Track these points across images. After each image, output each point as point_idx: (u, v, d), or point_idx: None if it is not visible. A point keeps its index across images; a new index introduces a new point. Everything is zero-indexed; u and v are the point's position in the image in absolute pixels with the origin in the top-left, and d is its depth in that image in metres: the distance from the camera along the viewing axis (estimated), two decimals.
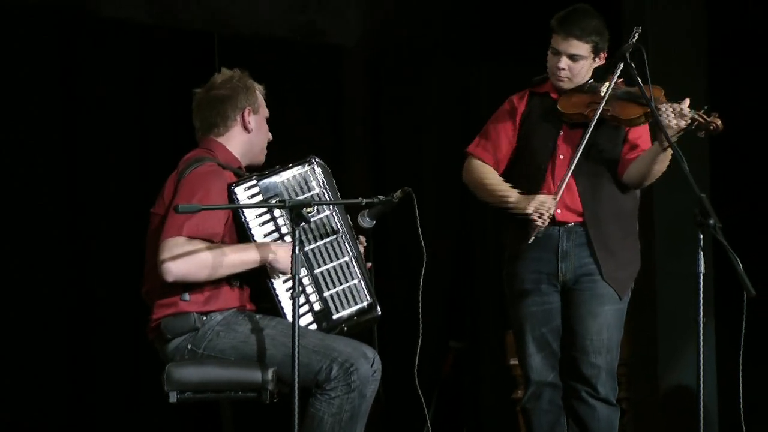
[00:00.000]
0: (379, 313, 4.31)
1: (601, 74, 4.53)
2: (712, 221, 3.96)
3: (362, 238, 4.37)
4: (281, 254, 4.14)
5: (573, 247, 4.59)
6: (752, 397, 4.42)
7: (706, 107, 4.47)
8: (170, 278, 4.07)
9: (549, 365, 4.64)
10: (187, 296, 4.13)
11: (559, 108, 4.61)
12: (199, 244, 4.07)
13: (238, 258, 4.12)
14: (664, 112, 4.39)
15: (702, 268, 3.98)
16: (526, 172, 4.63)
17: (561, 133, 4.62)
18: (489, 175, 4.69)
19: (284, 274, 4.16)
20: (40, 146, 6.13)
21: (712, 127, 4.44)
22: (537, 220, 4.47)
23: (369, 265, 4.36)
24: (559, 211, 4.57)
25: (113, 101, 6.33)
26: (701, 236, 3.97)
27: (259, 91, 4.39)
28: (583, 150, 4.54)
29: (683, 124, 4.40)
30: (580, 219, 4.60)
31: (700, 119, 4.42)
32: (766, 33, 6.28)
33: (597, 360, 4.59)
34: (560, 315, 4.64)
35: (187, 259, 4.05)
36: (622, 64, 4.45)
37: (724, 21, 6.43)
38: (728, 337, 5.72)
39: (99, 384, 6.20)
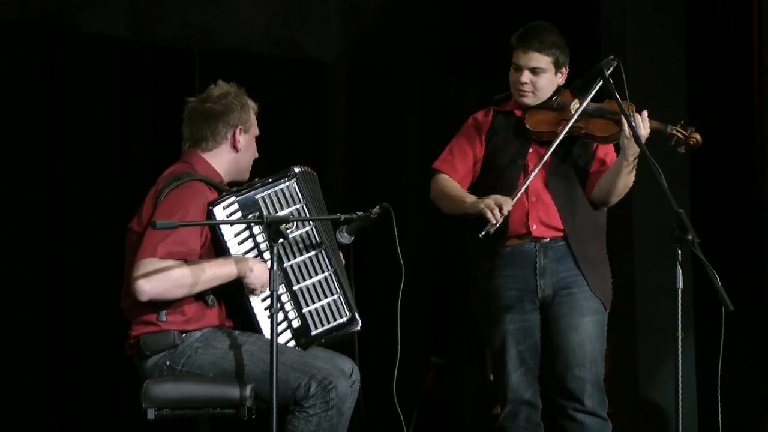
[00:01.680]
0: (359, 327, 4.30)
1: (579, 90, 4.53)
2: (690, 236, 3.96)
3: (340, 253, 4.37)
4: (256, 271, 4.13)
5: (550, 263, 4.60)
6: (731, 412, 4.43)
7: (682, 122, 4.48)
8: (144, 298, 4.05)
9: (526, 383, 4.64)
10: (164, 317, 4.12)
11: (527, 126, 4.62)
12: (173, 264, 4.05)
13: (213, 274, 4.11)
14: (638, 125, 4.41)
15: (680, 284, 3.97)
16: (496, 189, 4.61)
17: (530, 150, 4.63)
18: (450, 184, 4.70)
19: (259, 290, 4.15)
20: (21, 158, 6.12)
21: (692, 142, 4.44)
22: (488, 215, 4.44)
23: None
24: (534, 226, 4.58)
25: (94, 116, 6.33)
26: (679, 252, 3.97)
27: (252, 109, 4.37)
28: (559, 167, 4.56)
29: (644, 134, 4.41)
30: (555, 234, 4.60)
31: (679, 135, 4.43)
32: (744, 46, 6.30)
33: (581, 373, 4.58)
34: (538, 332, 4.64)
35: (161, 279, 4.03)
36: (601, 81, 4.46)
37: (703, 35, 6.46)
38: (708, 351, 5.74)
39: (77, 400, 6.18)
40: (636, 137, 4.35)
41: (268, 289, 4.02)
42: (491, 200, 4.48)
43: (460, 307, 7.17)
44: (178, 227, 4.02)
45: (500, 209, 4.45)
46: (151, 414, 4.09)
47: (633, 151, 4.45)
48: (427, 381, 6.79)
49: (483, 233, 4.46)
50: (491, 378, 6.11)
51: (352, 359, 4.28)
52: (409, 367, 6.19)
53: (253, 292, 4.15)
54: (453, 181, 4.70)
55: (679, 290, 3.97)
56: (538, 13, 4.79)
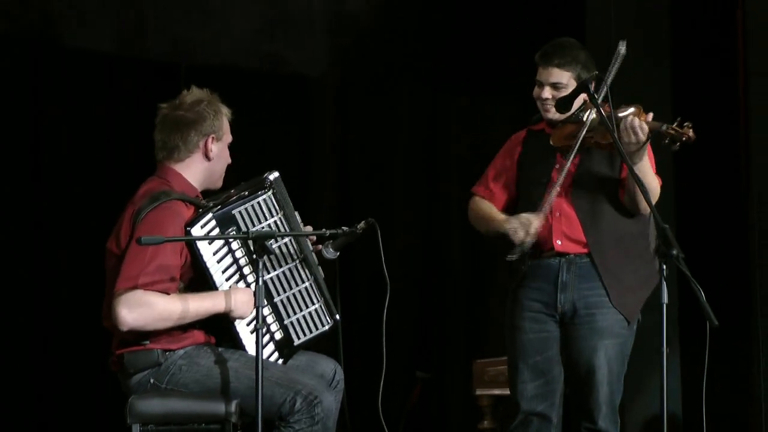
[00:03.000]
0: (338, 319, 4.32)
1: (562, 105, 4.55)
2: (674, 252, 3.97)
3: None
4: (240, 302, 4.11)
5: (573, 279, 4.59)
6: (716, 426, 4.43)
7: (678, 119, 4.47)
8: (125, 328, 4.02)
9: (540, 395, 4.63)
10: (147, 342, 4.10)
11: (551, 142, 4.66)
12: (157, 297, 4.03)
13: (198, 309, 4.08)
14: (623, 131, 4.42)
15: (665, 299, 3.98)
16: (526, 208, 4.63)
17: (556, 166, 4.65)
18: (481, 205, 4.77)
19: (243, 318, 4.15)
20: (7, 173, 6.12)
21: (684, 138, 4.43)
22: (513, 236, 4.51)
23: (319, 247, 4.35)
24: (559, 242, 4.58)
25: (80, 131, 6.33)
26: (664, 267, 3.98)
27: (226, 116, 4.31)
28: (582, 179, 4.58)
29: (641, 137, 4.40)
30: (581, 249, 4.60)
31: (672, 132, 4.42)
32: (729, 51, 6.32)
33: (598, 394, 4.57)
34: (557, 345, 4.63)
35: (144, 312, 4.01)
36: (580, 95, 4.49)
37: (688, 40, 6.48)
38: (693, 366, 5.74)
39: (62, 415, 6.16)
40: (618, 147, 4.35)
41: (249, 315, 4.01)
42: (516, 221, 4.53)
43: (445, 322, 7.18)
44: (164, 242, 4.00)
45: (527, 229, 4.49)
46: (135, 430, 4.08)
47: (637, 156, 4.45)
48: (413, 395, 6.79)
49: (510, 256, 4.53)
50: (476, 392, 6.15)
51: (336, 359, 4.29)
52: (394, 381, 6.19)
53: (239, 319, 4.15)
54: (485, 202, 4.76)
55: (665, 305, 3.98)
56: (525, 20, 4.79)
